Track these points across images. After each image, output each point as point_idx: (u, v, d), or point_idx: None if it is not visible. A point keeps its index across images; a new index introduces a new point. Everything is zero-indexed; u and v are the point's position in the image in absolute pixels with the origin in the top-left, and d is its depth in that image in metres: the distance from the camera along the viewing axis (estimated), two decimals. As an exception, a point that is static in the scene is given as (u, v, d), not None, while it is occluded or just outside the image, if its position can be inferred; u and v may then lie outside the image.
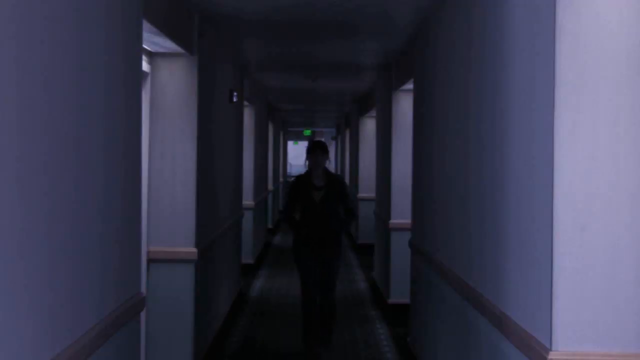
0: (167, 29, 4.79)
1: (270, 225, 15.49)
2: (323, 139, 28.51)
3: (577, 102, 2.77)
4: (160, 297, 5.50)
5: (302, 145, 34.21)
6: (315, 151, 6.70)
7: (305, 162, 6.82)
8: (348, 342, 7.34)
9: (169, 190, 5.58)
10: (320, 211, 6.56)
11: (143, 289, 5.13)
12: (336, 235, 6.66)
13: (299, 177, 6.78)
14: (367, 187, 13.55)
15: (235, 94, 7.75)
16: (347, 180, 18.29)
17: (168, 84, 5.58)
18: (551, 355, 2.75)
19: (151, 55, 5.49)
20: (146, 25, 4.31)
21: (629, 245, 2.75)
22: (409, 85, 7.45)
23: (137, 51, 3.78)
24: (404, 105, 8.38)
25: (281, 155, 22.70)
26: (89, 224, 2.93)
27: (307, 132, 28.85)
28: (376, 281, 10.18)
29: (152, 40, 4.96)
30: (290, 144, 31.05)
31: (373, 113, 11.81)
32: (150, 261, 5.48)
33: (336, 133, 27.50)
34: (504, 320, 3.36)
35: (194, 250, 5.61)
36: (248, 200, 11.06)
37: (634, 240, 2.75)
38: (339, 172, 24.07)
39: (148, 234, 5.47)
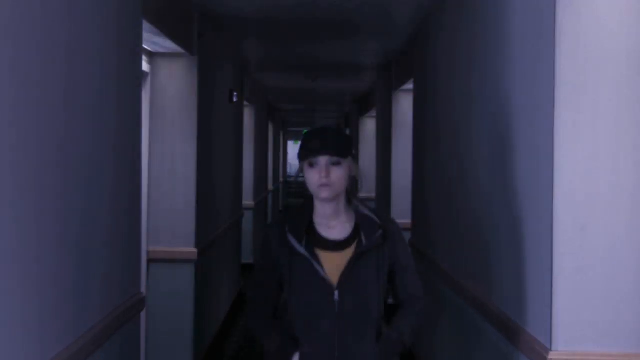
0: (167, 29, 4.79)
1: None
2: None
3: (577, 102, 2.76)
4: (160, 297, 5.50)
5: (302, 145, 34.00)
6: (317, 153, 2.69)
7: (298, 173, 2.81)
8: (348, 342, 7.33)
9: (169, 190, 5.58)
10: (340, 307, 2.68)
11: (143, 289, 5.13)
12: None
13: (280, 223, 2.79)
14: (367, 187, 13.55)
15: (235, 94, 7.74)
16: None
17: (168, 84, 5.58)
18: (551, 355, 2.75)
19: (151, 55, 5.49)
20: (146, 25, 4.31)
21: (629, 245, 2.75)
22: (409, 85, 7.44)
23: (137, 51, 3.78)
24: (404, 105, 8.38)
25: (281, 155, 22.69)
26: (89, 224, 2.93)
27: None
28: (376, 281, 10.17)
29: (152, 40, 4.96)
30: (290, 144, 31.04)
31: (373, 113, 11.81)
32: (150, 261, 5.48)
33: (336, 133, 27.44)
34: (504, 320, 3.36)
35: (194, 250, 5.61)
36: (248, 200, 11.06)
37: (634, 240, 2.75)
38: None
39: (148, 234, 5.47)
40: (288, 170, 29.43)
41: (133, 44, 3.66)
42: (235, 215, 8.60)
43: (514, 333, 3.20)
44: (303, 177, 2.77)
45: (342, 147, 2.73)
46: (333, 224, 2.77)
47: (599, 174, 2.76)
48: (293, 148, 32.15)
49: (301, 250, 2.69)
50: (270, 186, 16.03)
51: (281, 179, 22.00)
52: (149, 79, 5.49)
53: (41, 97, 2.42)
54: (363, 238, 2.71)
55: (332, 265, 2.70)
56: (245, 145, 10.11)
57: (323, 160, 2.70)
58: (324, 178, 2.68)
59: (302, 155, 2.75)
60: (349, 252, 2.71)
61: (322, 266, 2.68)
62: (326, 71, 9.83)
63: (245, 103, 10.30)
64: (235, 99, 7.77)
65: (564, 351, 2.76)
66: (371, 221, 2.75)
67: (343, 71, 9.80)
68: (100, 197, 3.07)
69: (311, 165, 2.71)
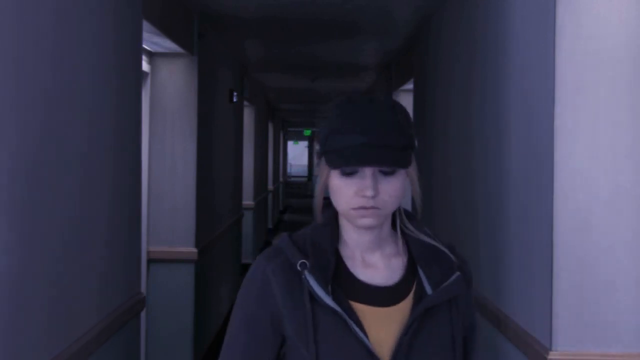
0: (167, 29, 4.79)
1: (270, 225, 15.49)
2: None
3: (577, 102, 2.76)
4: (160, 297, 5.50)
5: (303, 145, 33.41)
6: (359, 160, 1.49)
7: (317, 182, 1.60)
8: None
9: (169, 190, 5.58)
10: None
11: (143, 289, 5.13)
12: None
13: (286, 252, 1.61)
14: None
15: (235, 94, 7.75)
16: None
17: (168, 84, 5.58)
18: (551, 355, 2.75)
19: (151, 55, 5.49)
20: (146, 25, 4.31)
21: (629, 245, 2.75)
22: (409, 85, 7.44)
23: (137, 51, 3.78)
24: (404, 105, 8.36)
25: (281, 155, 22.70)
26: (90, 223, 2.93)
27: (307, 132, 28.82)
28: (376, 281, 10.17)
29: (152, 40, 4.96)
30: (290, 144, 31.00)
31: (373, 113, 11.79)
32: (150, 261, 5.48)
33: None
34: (504, 320, 3.36)
35: (194, 250, 5.61)
36: (248, 201, 11.07)
37: (634, 240, 2.75)
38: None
39: (148, 234, 5.47)
40: (288, 170, 29.41)
41: (133, 44, 3.66)
42: (235, 215, 8.60)
43: (513, 333, 3.20)
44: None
45: (402, 146, 1.54)
46: (372, 258, 1.62)
47: (599, 174, 2.76)
48: (293, 148, 32.10)
49: (329, 302, 1.52)
50: (270, 186, 16.02)
51: (281, 179, 22.02)
52: (149, 79, 5.49)
53: (39, 97, 2.42)
54: (425, 283, 1.61)
55: (381, 328, 1.55)
56: (245, 145, 10.11)
57: (369, 171, 1.52)
58: (369, 198, 1.52)
59: (330, 158, 1.53)
60: (404, 308, 1.57)
61: (364, 330, 1.53)
62: (326, 71, 9.83)
63: (245, 103, 10.30)
64: (235, 99, 7.77)
65: (564, 351, 2.75)
66: (440, 256, 1.66)
67: (343, 71, 9.80)
68: (100, 197, 3.07)
69: (346, 173, 1.53)
